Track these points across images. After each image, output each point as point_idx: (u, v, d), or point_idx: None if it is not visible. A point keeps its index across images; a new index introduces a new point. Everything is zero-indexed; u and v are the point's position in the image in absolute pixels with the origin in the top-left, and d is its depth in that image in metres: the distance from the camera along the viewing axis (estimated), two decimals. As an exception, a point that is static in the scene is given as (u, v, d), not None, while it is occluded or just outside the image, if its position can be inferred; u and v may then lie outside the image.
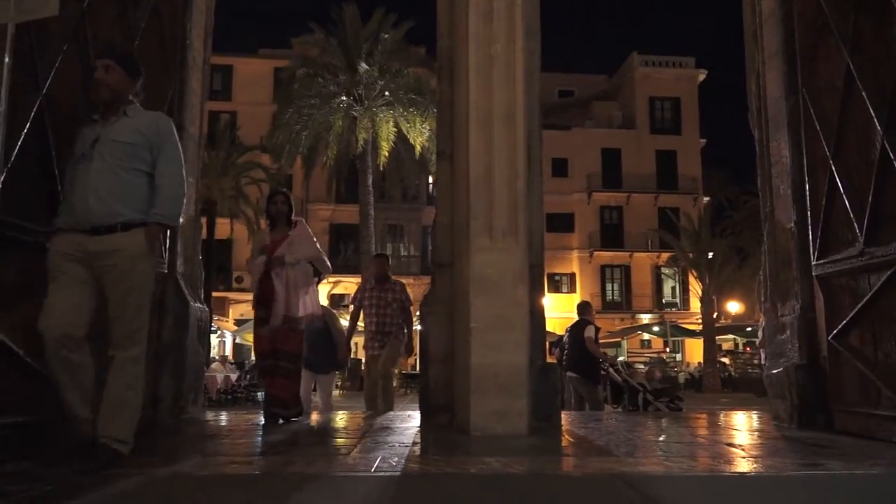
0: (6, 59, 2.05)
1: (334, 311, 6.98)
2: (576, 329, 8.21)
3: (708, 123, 42.02)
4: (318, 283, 5.27)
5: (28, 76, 3.25)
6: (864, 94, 4.18)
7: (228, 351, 27.72)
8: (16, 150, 3.13)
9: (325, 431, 4.60)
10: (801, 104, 4.92)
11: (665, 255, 33.35)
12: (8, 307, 3.08)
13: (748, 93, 5.65)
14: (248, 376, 16.37)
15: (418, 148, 23.35)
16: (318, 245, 5.32)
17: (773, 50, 5.23)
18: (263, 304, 5.01)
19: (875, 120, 4.06)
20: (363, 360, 6.49)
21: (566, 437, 4.32)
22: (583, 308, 8.59)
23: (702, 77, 37.16)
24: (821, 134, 4.66)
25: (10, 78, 2.12)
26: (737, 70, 5.88)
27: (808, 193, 4.84)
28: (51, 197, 3.47)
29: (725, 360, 29.24)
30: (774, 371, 5.04)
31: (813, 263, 4.74)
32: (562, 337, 9.00)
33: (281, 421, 4.93)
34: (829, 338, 4.57)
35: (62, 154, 3.50)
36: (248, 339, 23.28)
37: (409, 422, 5.06)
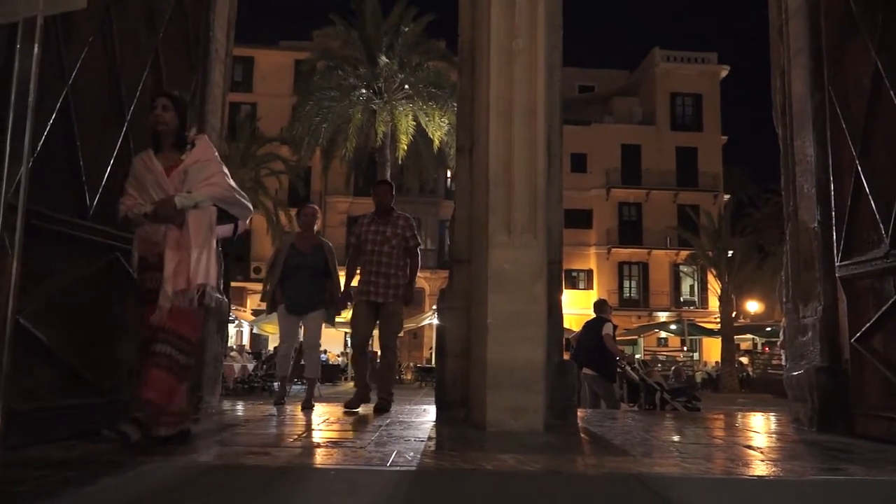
0: (35, 50, 2.07)
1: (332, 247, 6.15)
2: (592, 326, 8.16)
3: (730, 120, 41.53)
4: (235, 234, 3.78)
5: (54, 67, 3.29)
6: (891, 93, 4.10)
7: (246, 341, 27.97)
8: (42, 140, 3.18)
9: (341, 424, 4.62)
10: (826, 102, 4.85)
11: (684, 253, 33.01)
12: (32, 295, 3.13)
13: (772, 90, 5.56)
14: (264, 366, 16.51)
15: (437, 142, 23.32)
16: (227, 174, 3.55)
17: (799, 46, 5.15)
18: (148, 269, 3.38)
19: (904, 120, 3.98)
20: (355, 313, 5.55)
21: (582, 435, 4.30)
22: (600, 306, 8.55)
23: (724, 73, 36.66)
24: (847, 133, 4.58)
25: (38, 69, 2.15)
26: (760, 66, 5.81)
27: (832, 193, 4.77)
28: (75, 186, 3.52)
29: (744, 359, 28.96)
30: (795, 373, 4.98)
31: (836, 264, 4.67)
32: (576, 333, 8.97)
33: (133, 439, 3.04)
34: (852, 340, 4.50)
35: (86, 144, 3.55)
36: (266, 329, 23.49)
37: (424, 416, 5.07)
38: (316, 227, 6.20)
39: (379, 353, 5.66)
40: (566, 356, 8.49)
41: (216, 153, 3.61)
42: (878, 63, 4.23)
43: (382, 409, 5.34)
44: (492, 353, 4.20)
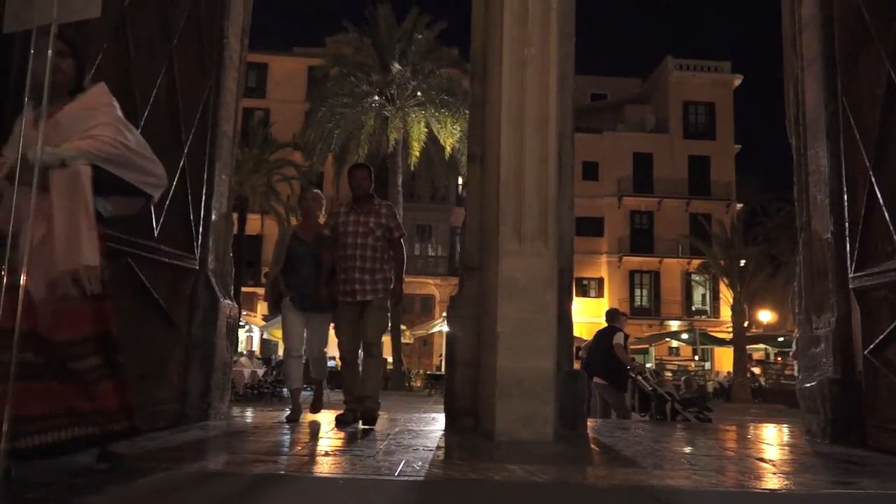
0: (49, 57, 2.10)
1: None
2: (604, 335, 8.12)
3: (743, 129, 41.34)
4: (145, 205, 2.95)
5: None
6: (907, 103, 4.06)
7: (256, 346, 28.07)
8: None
9: (349, 432, 4.61)
10: (840, 112, 4.81)
11: (696, 262, 32.82)
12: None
13: (785, 100, 5.53)
14: (274, 372, 16.54)
15: (448, 149, 23.36)
16: (127, 128, 2.78)
17: (812, 56, 5.11)
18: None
19: (919, 130, 3.94)
20: (339, 318, 5.02)
21: (592, 445, 4.27)
22: (612, 315, 8.50)
23: (737, 82, 36.51)
24: (860, 143, 4.54)
25: (51, 78, 2.17)
26: (774, 75, 5.79)
27: (846, 204, 4.72)
28: (88, 192, 3.54)
29: (756, 370, 28.71)
30: (808, 385, 4.93)
31: (850, 276, 4.63)
32: (586, 343, 8.92)
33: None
34: (866, 352, 4.45)
35: (100, 151, 3.58)
36: (276, 334, 23.55)
37: (433, 424, 5.06)
38: (321, 216, 5.72)
39: (363, 350, 5.01)
40: (576, 365, 8.49)
41: (114, 103, 2.80)
42: (892, 73, 4.20)
43: (369, 420, 4.77)
44: (502, 361, 4.19)
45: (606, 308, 33.95)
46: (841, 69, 4.84)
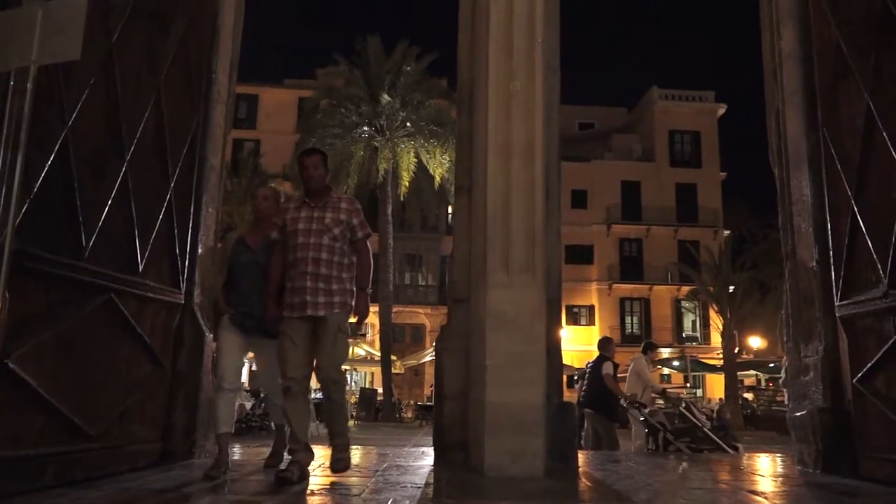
0: (27, 98, 2.09)
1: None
2: (594, 365, 8.11)
3: (728, 156, 41.89)
4: None
5: (54, 108, 3.32)
6: (884, 134, 4.13)
7: (244, 378, 27.71)
8: (39, 181, 3.19)
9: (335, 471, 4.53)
10: (821, 143, 4.88)
11: (685, 289, 32.94)
12: (22, 336, 3.10)
13: (768, 130, 5.61)
14: (262, 405, 16.32)
15: (438, 178, 23.49)
16: None
17: (793, 88, 5.20)
18: None
19: (899, 160, 3.99)
20: (283, 336, 3.91)
21: (583, 480, 4.22)
22: (603, 344, 8.51)
23: (721, 111, 37.09)
24: (842, 173, 4.60)
25: (30, 117, 2.17)
26: (757, 104, 5.85)
27: (830, 233, 4.76)
28: (72, 227, 3.51)
29: (748, 396, 28.63)
30: (798, 414, 4.91)
31: (836, 304, 4.64)
32: (584, 371, 8.90)
33: None
34: (854, 381, 4.44)
35: (85, 184, 3.56)
36: (265, 366, 23.32)
37: (422, 459, 4.98)
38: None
39: (321, 391, 4.01)
40: (569, 395, 8.46)
41: None
42: (871, 104, 4.27)
43: (340, 467, 3.97)
44: (490, 394, 4.15)
45: (597, 336, 33.87)
46: (821, 100, 4.92)
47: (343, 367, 4.11)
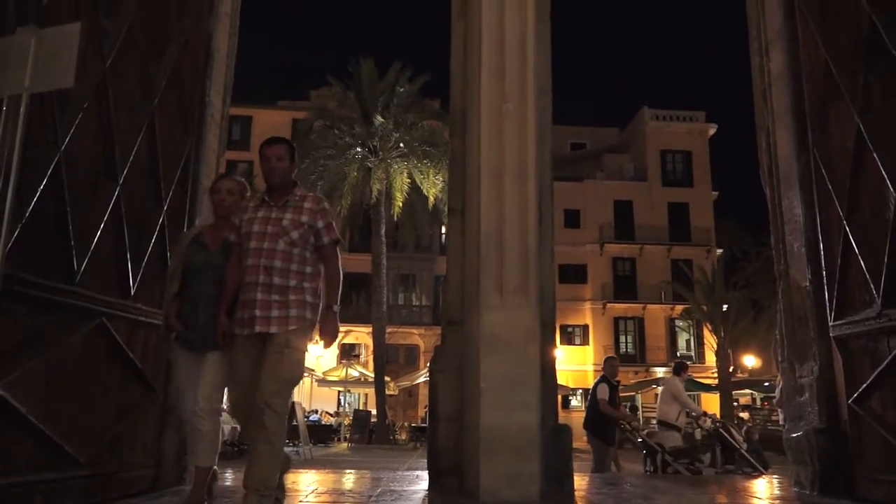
0: (19, 126, 2.09)
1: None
2: (593, 387, 8.09)
3: (720, 175, 42.28)
4: None
5: (47, 132, 3.32)
6: (875, 155, 4.17)
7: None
8: (31, 206, 3.17)
9: (330, 494, 4.48)
10: (812, 163, 4.92)
11: (679, 308, 32.98)
12: (12, 362, 3.06)
13: (759, 150, 5.66)
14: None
15: (431, 198, 23.55)
16: None
17: (783, 109, 5.26)
18: None
19: (888, 181, 4.03)
20: (235, 353, 3.39)
21: None
22: (604, 364, 8.47)
23: (712, 131, 37.45)
24: (833, 194, 4.63)
25: (21, 145, 2.16)
26: (747, 123, 5.91)
27: (822, 253, 4.79)
28: (63, 251, 3.49)
29: (744, 415, 28.56)
30: (794, 435, 4.89)
31: (830, 324, 4.65)
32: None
33: None
34: (850, 401, 4.44)
35: (77, 207, 3.55)
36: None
37: (416, 484, 4.93)
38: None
39: (252, 419, 3.21)
40: (567, 414, 8.41)
41: None
42: (861, 126, 4.32)
43: None
44: (485, 418, 4.11)
45: (592, 355, 33.72)
46: (811, 121, 4.97)
47: (288, 398, 3.32)
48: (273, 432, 3.12)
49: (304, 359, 3.39)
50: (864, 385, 4.27)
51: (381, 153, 24.00)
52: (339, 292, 3.46)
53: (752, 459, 7.72)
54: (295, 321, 3.27)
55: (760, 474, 7.43)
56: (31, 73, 2.16)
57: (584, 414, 8.31)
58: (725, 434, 7.97)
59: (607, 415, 7.77)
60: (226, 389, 3.58)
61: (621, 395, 9.39)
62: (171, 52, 4.65)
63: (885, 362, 4.06)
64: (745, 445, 8.10)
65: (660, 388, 8.79)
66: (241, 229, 3.46)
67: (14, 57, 2.21)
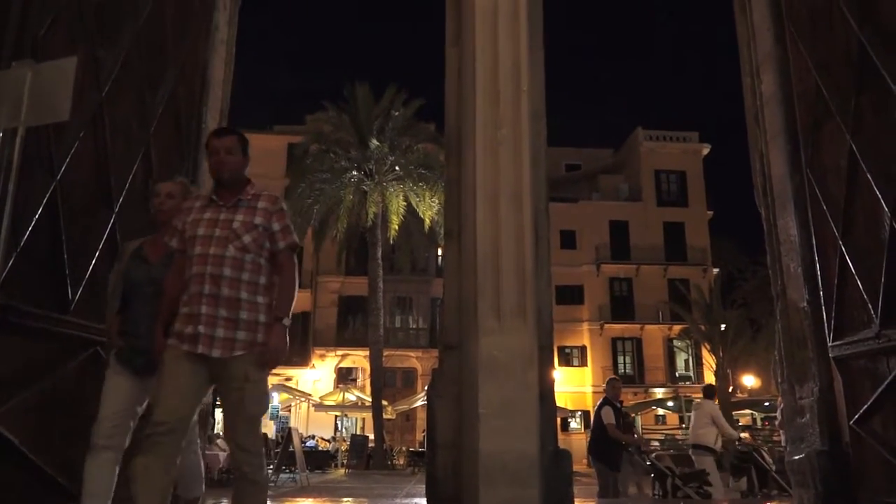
0: (15, 159, 2.09)
1: None
2: (596, 410, 7.99)
3: (714, 194, 42.45)
4: None
5: (43, 163, 3.32)
6: (868, 175, 4.19)
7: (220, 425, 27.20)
8: (26, 235, 3.17)
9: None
10: (806, 183, 4.94)
11: (677, 328, 32.93)
12: (6, 393, 3.03)
13: (752, 171, 5.69)
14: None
15: (427, 221, 23.59)
16: None
17: (776, 130, 5.30)
18: None
19: (882, 201, 4.05)
20: (160, 368, 2.88)
21: (580, 529, 4.12)
22: (607, 386, 8.38)
23: (706, 151, 37.74)
24: (828, 214, 4.65)
25: (17, 176, 2.16)
26: (740, 143, 5.96)
27: (819, 273, 4.79)
28: (58, 279, 3.48)
29: (745, 435, 28.38)
30: (796, 457, 4.85)
31: (829, 344, 4.64)
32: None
33: None
34: (851, 423, 4.41)
35: (72, 236, 3.54)
36: (254, 413, 22.91)
37: (415, 511, 4.86)
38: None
39: (231, 462, 3.15)
40: (566, 437, 8.32)
41: None
42: (853, 146, 4.35)
43: None
44: (484, 444, 4.07)
45: (590, 377, 33.47)
46: (804, 142, 5.01)
47: (259, 430, 2.95)
48: (255, 475, 2.84)
49: (266, 388, 3.05)
50: (865, 406, 4.25)
51: (376, 176, 24.09)
52: (293, 305, 3.01)
53: (782, 482, 7.62)
54: (242, 345, 2.81)
55: (790, 497, 7.36)
56: (27, 106, 2.16)
57: (584, 436, 8.24)
58: (759, 458, 7.91)
59: (614, 439, 7.66)
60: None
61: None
62: (167, 80, 4.68)
63: (886, 383, 4.05)
64: (774, 467, 8.02)
65: (692, 413, 8.64)
66: (184, 233, 2.97)
67: (10, 90, 2.22)
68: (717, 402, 8.72)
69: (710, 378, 29.85)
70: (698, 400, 8.90)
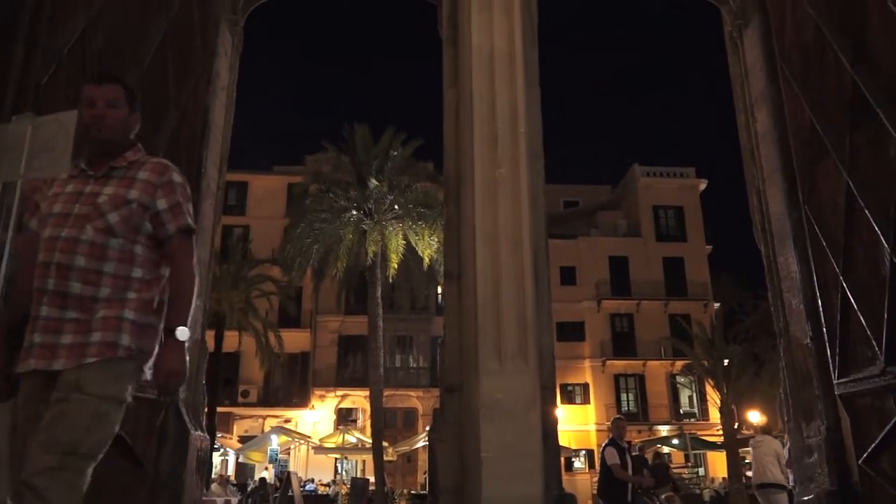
0: (14, 210, 2.09)
1: None
2: (602, 451, 7.84)
3: (713, 229, 42.67)
4: None
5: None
6: (867, 212, 4.20)
7: (231, 470, 26.74)
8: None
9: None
10: (804, 220, 4.96)
11: (679, 363, 32.64)
12: None
13: (750, 208, 5.72)
14: (249, 500, 15.68)
15: (427, 259, 23.59)
16: None
17: (772, 168, 5.34)
18: None
19: (881, 238, 4.05)
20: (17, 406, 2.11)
21: (586, 577, 4.00)
22: (612, 425, 8.20)
23: (703, 186, 38.01)
24: (828, 250, 4.65)
25: (16, 231, 2.16)
26: (737, 177, 5.99)
27: (821, 309, 4.77)
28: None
29: (751, 473, 27.84)
30: (806, 498, 4.75)
31: (834, 382, 4.59)
32: None
33: None
34: (860, 462, 4.33)
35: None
36: (253, 457, 22.57)
37: (417, 559, 4.73)
38: None
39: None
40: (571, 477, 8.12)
41: None
42: (850, 183, 4.37)
43: None
44: (487, 490, 4.00)
45: (593, 414, 32.97)
46: (801, 179, 5.04)
47: (76, 477, 2.05)
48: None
49: (112, 411, 2.08)
50: (874, 444, 4.19)
51: (376, 215, 24.18)
52: (191, 309, 2.24)
53: None
54: (98, 349, 2.05)
55: None
56: (27, 160, 2.16)
57: (588, 476, 8.06)
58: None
59: (620, 479, 7.49)
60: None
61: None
62: (168, 124, 4.72)
63: (894, 421, 3.99)
64: None
65: (755, 451, 8.33)
66: (42, 212, 2.24)
67: (10, 144, 2.22)
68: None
69: (714, 415, 29.49)
70: (758, 437, 8.60)
